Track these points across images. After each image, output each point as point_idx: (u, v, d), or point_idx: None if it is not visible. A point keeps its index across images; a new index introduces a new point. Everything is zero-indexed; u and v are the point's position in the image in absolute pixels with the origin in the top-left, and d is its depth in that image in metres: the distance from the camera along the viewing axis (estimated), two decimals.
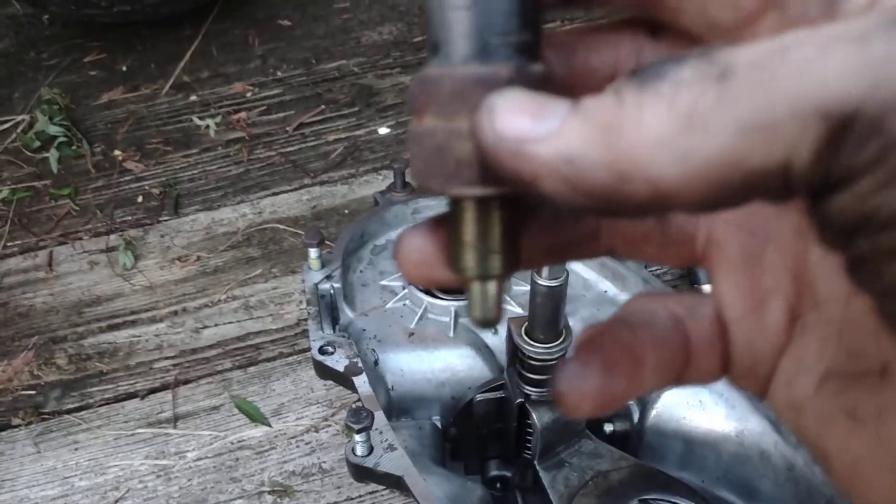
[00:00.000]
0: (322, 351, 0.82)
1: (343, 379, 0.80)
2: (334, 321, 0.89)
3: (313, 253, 0.90)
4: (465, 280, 0.23)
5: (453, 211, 0.23)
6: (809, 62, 0.17)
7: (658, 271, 1.07)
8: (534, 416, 0.74)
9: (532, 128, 0.19)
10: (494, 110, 0.20)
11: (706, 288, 0.66)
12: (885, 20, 0.16)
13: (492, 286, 0.23)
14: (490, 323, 0.24)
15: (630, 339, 0.25)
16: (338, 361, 0.81)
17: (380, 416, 0.73)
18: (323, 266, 0.90)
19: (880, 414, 0.22)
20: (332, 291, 0.89)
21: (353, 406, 0.73)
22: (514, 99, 0.20)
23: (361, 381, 0.78)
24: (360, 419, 0.70)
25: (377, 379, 0.83)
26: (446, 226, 0.24)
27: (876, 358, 0.22)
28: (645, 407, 0.83)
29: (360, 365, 0.80)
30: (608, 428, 0.84)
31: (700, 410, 0.82)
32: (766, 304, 0.25)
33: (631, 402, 0.85)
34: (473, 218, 0.22)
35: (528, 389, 0.75)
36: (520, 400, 0.75)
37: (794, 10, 0.21)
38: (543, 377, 0.74)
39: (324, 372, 0.82)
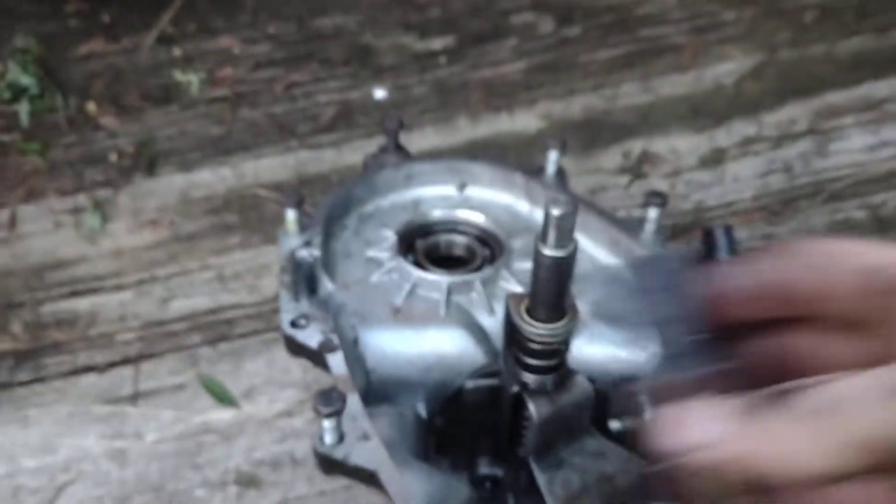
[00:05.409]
0: (294, 324, 0.74)
1: (316, 356, 0.72)
2: (311, 293, 0.80)
3: (291, 215, 0.81)
4: None
5: None
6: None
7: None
8: (531, 407, 0.65)
9: None
10: None
11: None
12: None
13: None
14: None
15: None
16: (311, 336, 0.73)
17: (353, 400, 0.65)
18: (302, 231, 0.81)
19: None
20: (310, 260, 0.80)
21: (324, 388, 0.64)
22: None
23: (336, 360, 0.70)
24: (329, 402, 0.61)
25: (355, 360, 0.75)
26: None
27: None
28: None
29: (336, 342, 0.71)
30: (615, 425, 0.75)
31: None
32: None
33: (642, 397, 0.77)
34: None
35: (527, 377, 0.66)
36: (516, 388, 0.66)
37: None
38: (544, 363, 0.65)
39: (295, 348, 0.74)
